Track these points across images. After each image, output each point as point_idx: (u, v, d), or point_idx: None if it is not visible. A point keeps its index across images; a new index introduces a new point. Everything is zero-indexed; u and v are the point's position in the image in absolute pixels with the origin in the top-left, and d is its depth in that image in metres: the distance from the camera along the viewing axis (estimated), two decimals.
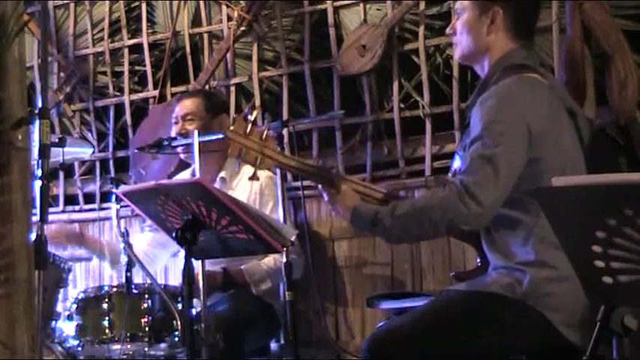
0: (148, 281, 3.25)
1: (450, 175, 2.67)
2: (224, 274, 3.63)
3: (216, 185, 3.68)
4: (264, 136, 2.58)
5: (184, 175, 3.98)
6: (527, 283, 2.39)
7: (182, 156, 3.84)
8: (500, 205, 2.40)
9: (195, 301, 2.85)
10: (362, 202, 2.58)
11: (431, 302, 2.59)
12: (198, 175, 3.32)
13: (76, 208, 4.92)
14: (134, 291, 3.22)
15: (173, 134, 3.78)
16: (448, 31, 2.74)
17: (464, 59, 2.73)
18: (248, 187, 3.80)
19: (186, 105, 3.86)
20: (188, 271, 2.62)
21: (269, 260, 3.68)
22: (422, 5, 4.13)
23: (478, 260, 2.66)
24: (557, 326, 2.35)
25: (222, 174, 3.84)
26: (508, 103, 2.45)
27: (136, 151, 3.95)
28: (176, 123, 3.85)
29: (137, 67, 4.88)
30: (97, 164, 4.86)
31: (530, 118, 2.43)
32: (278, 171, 3.26)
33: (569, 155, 2.51)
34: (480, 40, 2.62)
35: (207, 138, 3.55)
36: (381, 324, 2.75)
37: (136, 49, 4.84)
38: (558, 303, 2.36)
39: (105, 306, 3.25)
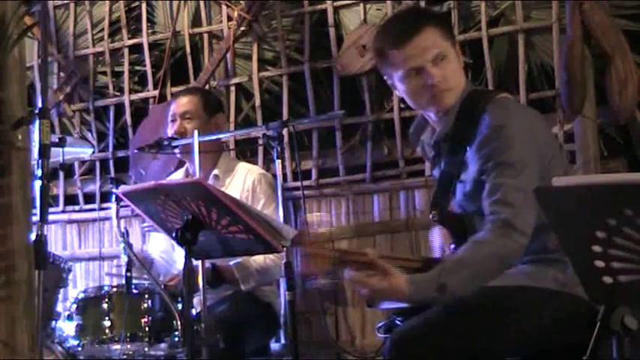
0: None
1: (455, 206, 2.58)
2: (213, 271, 3.58)
3: (210, 182, 3.66)
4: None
5: (178, 175, 3.98)
6: (570, 272, 2.35)
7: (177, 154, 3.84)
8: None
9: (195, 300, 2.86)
10: (410, 275, 2.40)
11: (465, 296, 2.43)
12: (198, 174, 3.32)
13: (76, 208, 4.91)
14: (134, 291, 3.22)
15: (170, 133, 3.77)
16: (439, 82, 2.49)
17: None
18: (241, 184, 3.80)
19: (184, 103, 3.85)
20: (188, 271, 2.62)
21: (259, 258, 3.66)
22: (422, 5, 4.13)
23: (452, 246, 2.63)
24: None
25: (215, 171, 3.83)
26: (514, 130, 2.43)
27: (135, 151, 3.95)
28: (173, 121, 3.83)
29: (137, 67, 4.88)
30: (97, 164, 4.86)
31: (533, 137, 2.46)
32: (278, 171, 3.26)
33: (556, 151, 2.54)
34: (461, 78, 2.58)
35: (206, 138, 3.56)
36: (380, 324, 2.72)
37: (136, 49, 4.84)
38: None
39: (105, 306, 3.25)
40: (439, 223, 2.64)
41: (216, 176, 3.82)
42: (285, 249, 2.97)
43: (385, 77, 2.62)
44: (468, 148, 2.50)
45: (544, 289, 2.40)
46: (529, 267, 2.46)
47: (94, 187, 4.85)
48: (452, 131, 2.54)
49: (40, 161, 2.48)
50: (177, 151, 3.67)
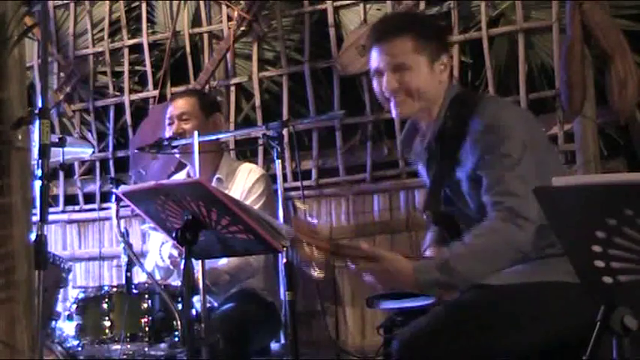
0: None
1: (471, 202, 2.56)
2: None
3: (213, 185, 3.66)
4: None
5: (180, 176, 3.97)
6: None
7: (177, 156, 3.83)
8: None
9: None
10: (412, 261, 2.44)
11: (473, 296, 2.44)
12: (197, 175, 3.32)
13: (76, 208, 4.91)
14: (134, 291, 3.22)
15: (168, 135, 3.76)
16: (392, 89, 2.57)
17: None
18: (242, 184, 3.80)
19: (181, 104, 3.84)
20: (188, 271, 2.62)
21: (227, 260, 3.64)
22: (422, 5, 4.14)
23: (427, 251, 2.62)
24: None
25: (218, 174, 3.83)
26: (508, 122, 2.48)
27: (136, 151, 3.95)
28: (171, 124, 3.82)
29: (137, 67, 4.88)
30: (97, 164, 4.86)
31: (527, 126, 2.50)
32: (278, 171, 3.25)
33: (550, 146, 2.61)
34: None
35: (207, 138, 3.56)
36: (380, 324, 2.72)
37: (136, 49, 4.84)
38: None
39: (105, 306, 3.25)
40: (433, 222, 2.64)
41: (219, 179, 3.82)
42: (285, 249, 2.98)
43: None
44: (461, 147, 2.51)
45: (556, 282, 2.37)
46: (540, 263, 2.43)
47: (94, 187, 4.85)
48: (443, 132, 2.56)
49: (40, 161, 2.48)
50: (176, 151, 3.66)
